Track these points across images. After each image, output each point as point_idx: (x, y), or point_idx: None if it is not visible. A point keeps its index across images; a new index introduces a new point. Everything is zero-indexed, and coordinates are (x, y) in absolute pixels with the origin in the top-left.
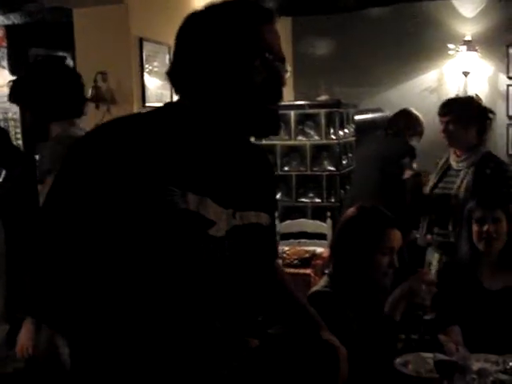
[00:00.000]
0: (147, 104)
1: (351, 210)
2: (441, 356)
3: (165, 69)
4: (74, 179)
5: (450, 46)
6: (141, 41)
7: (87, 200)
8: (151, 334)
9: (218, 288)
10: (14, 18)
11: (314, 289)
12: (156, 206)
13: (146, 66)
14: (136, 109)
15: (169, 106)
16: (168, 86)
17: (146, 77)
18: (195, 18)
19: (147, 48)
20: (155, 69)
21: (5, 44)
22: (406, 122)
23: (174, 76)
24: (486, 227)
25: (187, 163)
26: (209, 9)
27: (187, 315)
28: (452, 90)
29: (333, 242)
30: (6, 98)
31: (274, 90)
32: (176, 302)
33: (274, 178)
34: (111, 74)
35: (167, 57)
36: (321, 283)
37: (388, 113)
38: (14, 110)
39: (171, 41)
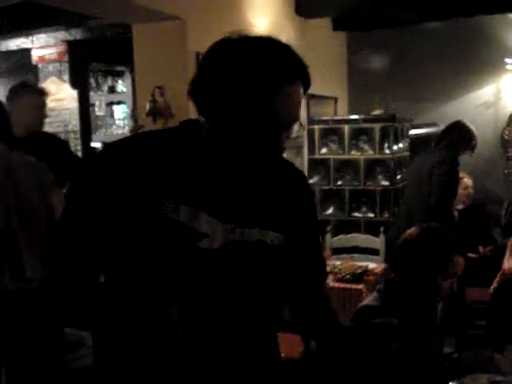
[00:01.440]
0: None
1: (415, 230)
2: (497, 377)
3: None
4: (86, 189)
5: (508, 60)
6: (198, 55)
7: (94, 207)
8: (136, 337)
9: (206, 299)
10: (76, 34)
11: (364, 303)
12: (149, 216)
13: None
14: None
15: (185, 122)
16: None
17: None
18: (226, 46)
19: None
20: None
21: (66, 58)
22: (459, 134)
23: (193, 92)
24: None
25: (185, 178)
26: (243, 43)
27: (166, 322)
28: (509, 105)
29: (392, 259)
30: (66, 111)
31: (271, 147)
32: (160, 309)
33: (305, 197)
34: (168, 89)
35: None
36: (370, 298)
37: (443, 128)
38: (74, 123)
39: None
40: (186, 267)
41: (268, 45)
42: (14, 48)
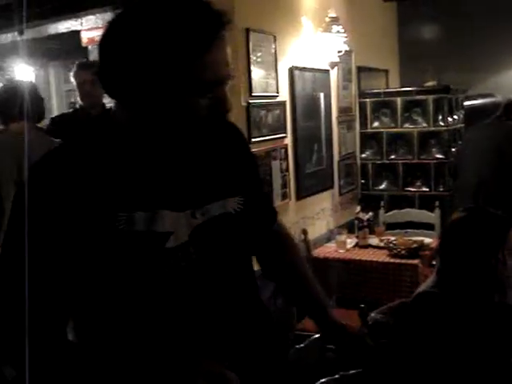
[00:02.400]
0: (253, 94)
1: (460, 215)
2: None
3: (270, 58)
4: (32, 216)
5: None
6: (247, 31)
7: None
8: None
9: (192, 296)
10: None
11: (421, 289)
12: (105, 234)
13: (252, 56)
14: (243, 99)
15: (103, 119)
16: (273, 75)
17: (252, 67)
18: (133, 14)
19: (253, 38)
20: (260, 59)
21: None
22: None
23: (103, 78)
24: None
25: (130, 182)
26: (161, 12)
27: (158, 332)
28: None
29: (442, 246)
30: None
31: (211, 111)
32: (146, 321)
33: (244, 150)
34: None
35: (273, 46)
36: (428, 282)
37: (500, 98)
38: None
39: (277, 29)
40: (160, 274)
41: (179, 6)
42: (64, 30)
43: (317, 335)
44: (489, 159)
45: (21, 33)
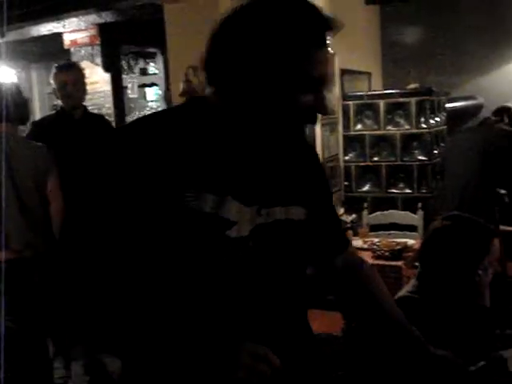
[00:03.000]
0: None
1: (442, 222)
2: None
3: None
4: (109, 176)
5: None
6: None
7: (114, 199)
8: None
9: (243, 289)
10: (106, 17)
11: (402, 293)
12: (173, 209)
13: None
14: None
15: (195, 101)
16: None
17: None
18: (247, 9)
19: None
20: None
21: (98, 42)
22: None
23: (209, 67)
24: None
25: (207, 163)
26: (273, 9)
27: (206, 317)
28: None
29: (423, 253)
30: (100, 94)
31: (308, 113)
32: (195, 303)
33: (318, 168)
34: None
35: None
36: (408, 286)
37: (482, 100)
38: (108, 106)
39: None
40: (216, 259)
41: (292, 5)
42: (46, 33)
43: None
44: (474, 163)
45: (2, 35)
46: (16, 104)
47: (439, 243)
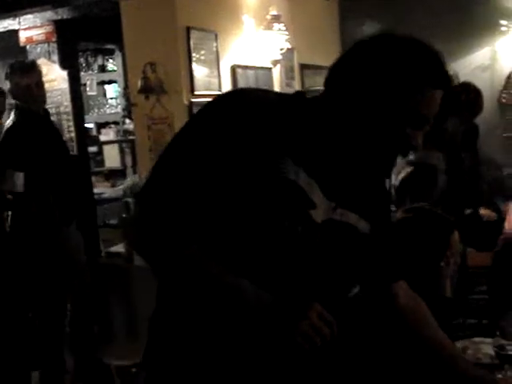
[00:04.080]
0: (196, 92)
1: (404, 214)
2: (501, 341)
3: (212, 56)
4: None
5: (503, 22)
6: (188, 30)
7: (216, 144)
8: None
9: (294, 266)
10: (63, 13)
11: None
12: (268, 171)
13: (194, 54)
14: (185, 98)
15: (303, 96)
16: (215, 73)
17: (194, 65)
18: (382, 43)
19: (194, 36)
20: (202, 57)
21: (54, 39)
22: (467, 97)
23: (333, 75)
24: None
25: (306, 146)
26: (400, 44)
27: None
28: (506, 68)
29: None
30: (57, 92)
31: (402, 148)
32: (248, 262)
33: (384, 193)
34: (160, 65)
35: (214, 44)
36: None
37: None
38: (66, 104)
39: (218, 28)
40: (291, 229)
41: (420, 47)
42: (1, 30)
43: None
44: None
45: None
46: None
47: (400, 235)
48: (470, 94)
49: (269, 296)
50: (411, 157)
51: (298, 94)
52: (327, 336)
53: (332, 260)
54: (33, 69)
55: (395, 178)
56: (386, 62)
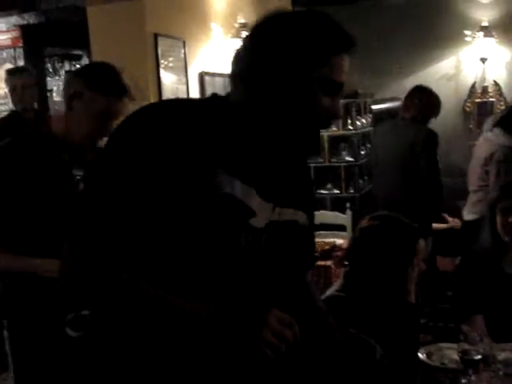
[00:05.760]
0: (163, 99)
1: (370, 221)
2: (465, 346)
3: (180, 63)
4: (126, 149)
5: (467, 32)
6: (156, 36)
7: (136, 170)
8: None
9: (245, 278)
10: (29, 18)
11: (329, 292)
12: (202, 187)
13: (162, 61)
14: None
15: (219, 98)
16: (184, 80)
17: (162, 72)
18: (272, 23)
19: (162, 43)
20: (170, 64)
21: (20, 44)
22: (421, 99)
23: (236, 70)
24: (511, 218)
25: (236, 152)
26: (292, 17)
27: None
28: (470, 77)
29: (351, 252)
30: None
31: (323, 120)
32: (197, 284)
33: (310, 179)
34: (127, 71)
35: (182, 51)
36: (336, 285)
37: None
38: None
39: (186, 35)
40: (239, 243)
41: (316, 17)
42: None
43: None
44: (399, 161)
45: None
46: None
47: (367, 242)
48: (422, 98)
49: (223, 312)
50: None
51: (214, 97)
52: (290, 339)
53: (281, 261)
54: (22, 72)
55: None
56: (287, 39)
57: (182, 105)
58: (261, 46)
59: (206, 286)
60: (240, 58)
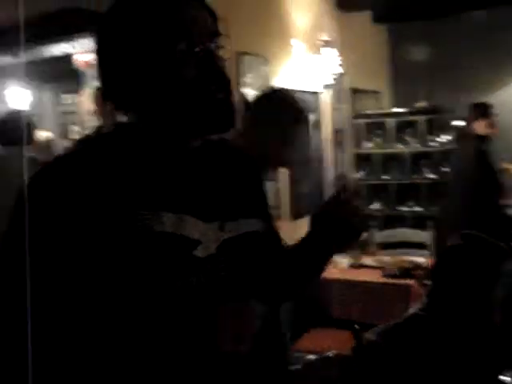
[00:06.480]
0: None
1: (455, 240)
2: None
3: (262, 81)
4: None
5: None
6: (239, 55)
7: (55, 235)
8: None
9: (207, 314)
10: None
11: (412, 311)
12: (129, 233)
13: (244, 79)
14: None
15: (120, 127)
16: None
17: (244, 90)
18: (108, 19)
19: (245, 61)
20: (252, 81)
21: None
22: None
23: (106, 91)
24: None
25: (156, 182)
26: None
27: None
28: None
29: (436, 271)
30: None
31: (211, 75)
32: (161, 336)
33: (259, 179)
34: None
35: (264, 69)
36: (418, 305)
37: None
38: None
39: (269, 52)
40: (184, 286)
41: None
42: (58, 54)
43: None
44: (468, 182)
45: (16, 55)
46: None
47: (452, 262)
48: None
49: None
50: None
51: (118, 128)
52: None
53: (253, 276)
54: None
55: None
56: (130, 22)
57: (84, 155)
58: (110, 50)
59: (166, 342)
60: (103, 73)
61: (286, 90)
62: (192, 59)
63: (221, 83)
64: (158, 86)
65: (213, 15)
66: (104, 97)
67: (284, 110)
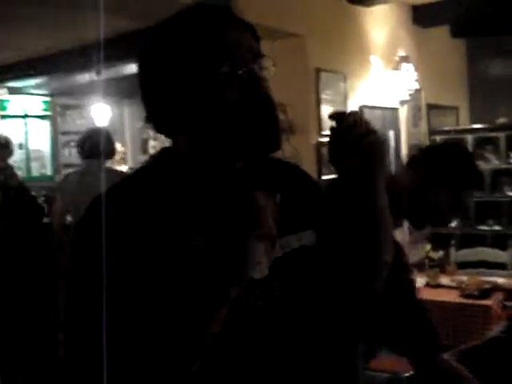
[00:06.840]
0: (323, 132)
1: None
2: None
3: (340, 97)
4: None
5: None
6: (318, 71)
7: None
8: None
9: (264, 342)
10: None
11: (493, 333)
12: (187, 258)
13: (322, 95)
14: (313, 138)
15: (166, 153)
16: None
17: (322, 106)
18: (151, 47)
19: (323, 78)
20: (330, 98)
21: None
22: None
23: (150, 118)
24: None
25: (207, 205)
26: (163, 28)
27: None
28: None
29: None
30: None
31: (255, 97)
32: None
33: (313, 188)
34: (289, 106)
35: (342, 85)
36: (500, 327)
37: None
38: None
39: (347, 69)
40: (245, 306)
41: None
42: (131, 72)
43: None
44: None
45: (98, 73)
46: (105, 144)
47: None
48: None
49: None
50: None
51: (163, 154)
52: None
53: (306, 299)
54: None
55: None
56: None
57: (132, 185)
58: (152, 76)
59: (226, 369)
60: (146, 99)
61: (465, 147)
62: (235, 81)
63: (265, 105)
64: (202, 108)
65: (256, 36)
66: (146, 120)
67: (463, 172)
